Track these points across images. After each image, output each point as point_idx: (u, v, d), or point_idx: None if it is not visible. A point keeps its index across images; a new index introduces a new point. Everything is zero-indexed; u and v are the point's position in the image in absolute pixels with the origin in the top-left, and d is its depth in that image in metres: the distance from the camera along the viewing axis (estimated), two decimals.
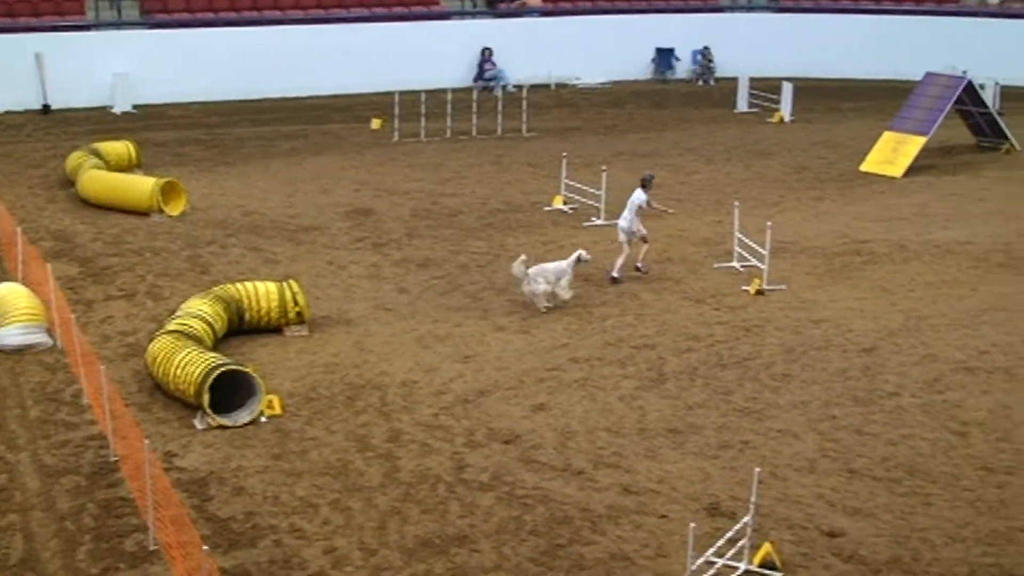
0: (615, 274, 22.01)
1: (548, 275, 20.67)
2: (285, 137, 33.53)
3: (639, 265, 22.52)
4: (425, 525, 14.00)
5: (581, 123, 36.48)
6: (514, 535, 13.83)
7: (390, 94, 34.21)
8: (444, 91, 34.90)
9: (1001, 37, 41.85)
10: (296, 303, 19.45)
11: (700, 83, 42.90)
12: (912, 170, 30.34)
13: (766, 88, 38.22)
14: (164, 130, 33.91)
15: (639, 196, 22.22)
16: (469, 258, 23.46)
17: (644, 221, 22.36)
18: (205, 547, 11.58)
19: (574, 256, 20.95)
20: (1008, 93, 37.72)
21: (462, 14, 42.69)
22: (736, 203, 23.55)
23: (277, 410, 16.67)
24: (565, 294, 20.82)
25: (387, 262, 23.21)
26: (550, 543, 13.67)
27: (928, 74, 32.39)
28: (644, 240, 22.42)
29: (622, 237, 22.23)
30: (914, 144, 30.82)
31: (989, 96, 34.52)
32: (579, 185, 26.75)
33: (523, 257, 20.77)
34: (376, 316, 20.42)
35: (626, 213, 22.25)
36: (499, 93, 37.71)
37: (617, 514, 14.29)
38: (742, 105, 38.80)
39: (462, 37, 40.93)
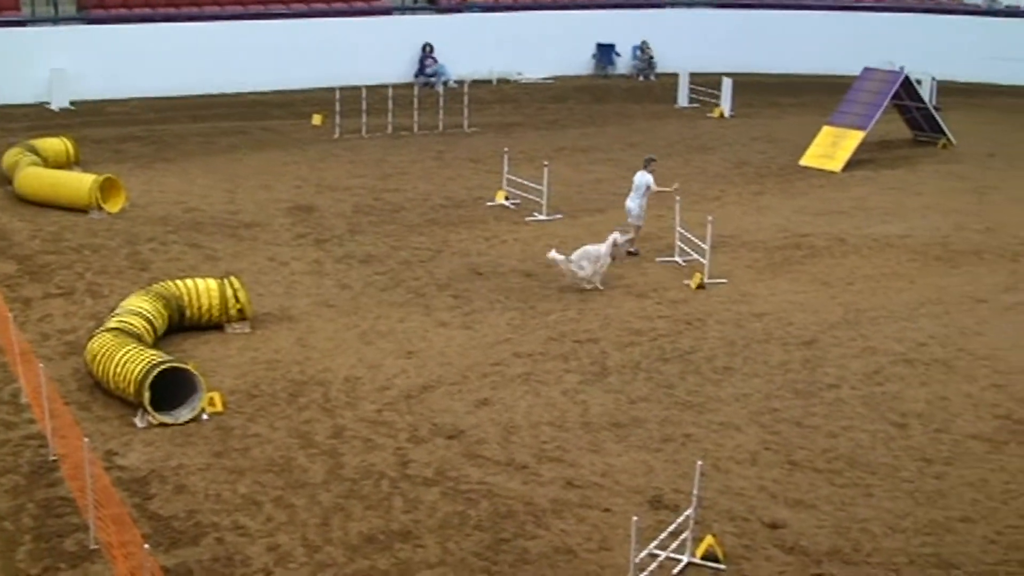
0: (631, 249, 22.67)
1: (591, 257, 21.11)
2: (225, 133, 33.28)
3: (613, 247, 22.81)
4: (369, 521, 13.97)
5: (522, 118, 36.50)
6: (458, 530, 13.84)
7: (331, 90, 34.00)
8: (385, 87, 34.76)
9: (937, 32, 42.34)
10: (237, 300, 19.32)
11: (641, 78, 43.02)
12: (851, 164, 30.63)
13: (706, 83, 38.41)
14: (102, 126, 33.54)
15: (646, 178, 22.77)
16: (411, 253, 23.42)
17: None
18: (146, 546, 11.48)
19: (609, 240, 21.31)
20: (944, 88, 38.19)
21: (403, 10, 42.52)
22: (677, 198, 23.66)
23: (219, 407, 16.56)
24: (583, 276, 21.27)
25: (329, 258, 23.12)
26: (494, 537, 13.69)
27: (866, 69, 32.70)
28: (636, 229, 23.10)
29: (631, 220, 23.04)
30: (853, 138, 31.10)
31: (926, 91, 34.89)
32: (521, 180, 26.77)
33: (551, 254, 21.23)
34: (318, 312, 20.34)
35: (633, 195, 22.97)
36: (440, 89, 37.74)
37: (561, 508, 14.33)
38: (683, 100, 38.98)
39: (403, 33, 40.76)
